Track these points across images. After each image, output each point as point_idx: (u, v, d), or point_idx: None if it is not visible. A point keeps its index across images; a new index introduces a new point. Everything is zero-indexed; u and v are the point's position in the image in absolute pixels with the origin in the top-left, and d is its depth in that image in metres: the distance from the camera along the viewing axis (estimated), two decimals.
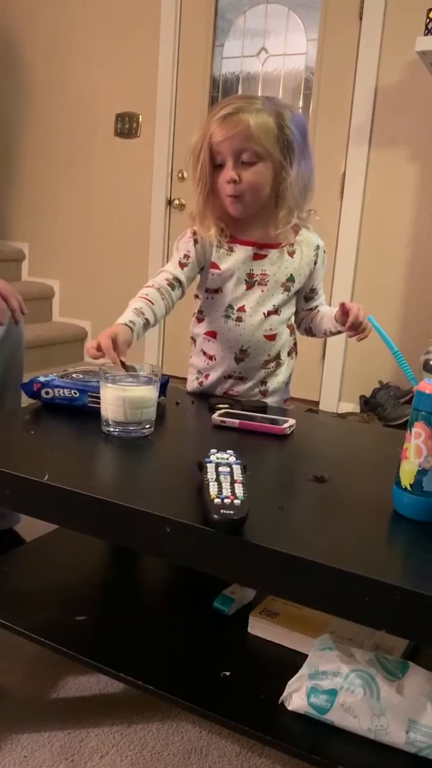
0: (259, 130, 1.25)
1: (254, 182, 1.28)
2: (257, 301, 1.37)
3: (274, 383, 1.44)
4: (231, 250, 1.37)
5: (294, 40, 3.01)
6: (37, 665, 1.25)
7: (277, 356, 1.42)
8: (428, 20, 2.25)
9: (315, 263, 1.40)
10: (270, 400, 1.42)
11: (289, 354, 1.46)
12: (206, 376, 1.45)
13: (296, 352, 1.49)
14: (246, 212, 1.32)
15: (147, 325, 1.29)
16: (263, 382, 1.43)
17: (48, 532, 1.27)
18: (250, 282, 1.37)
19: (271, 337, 1.40)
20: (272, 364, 1.42)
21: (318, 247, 1.40)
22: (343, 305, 1.29)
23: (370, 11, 2.74)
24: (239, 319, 1.38)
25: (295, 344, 1.48)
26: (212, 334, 1.42)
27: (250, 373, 1.42)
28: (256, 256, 1.36)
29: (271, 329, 1.39)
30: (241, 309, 1.38)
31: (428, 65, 2.43)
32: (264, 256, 1.37)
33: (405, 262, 2.84)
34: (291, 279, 1.38)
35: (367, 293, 2.92)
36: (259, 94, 3.07)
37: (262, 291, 1.37)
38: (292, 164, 1.28)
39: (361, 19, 2.78)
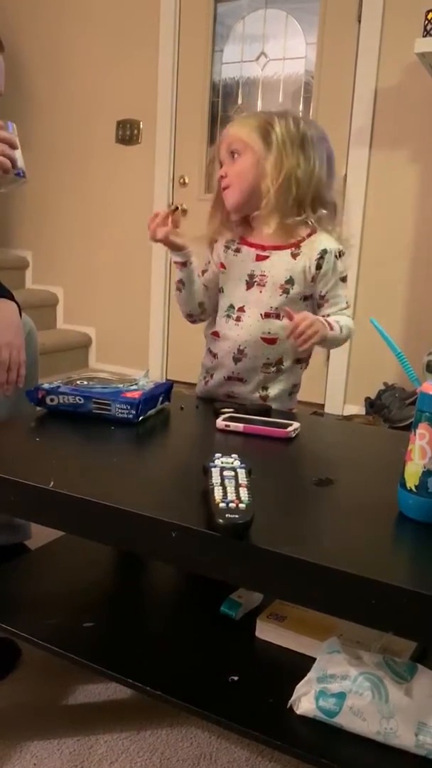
0: (241, 126, 1.37)
1: (237, 171, 1.36)
2: (255, 302, 1.39)
3: (275, 389, 1.42)
4: (238, 251, 1.42)
5: (293, 44, 3.02)
6: (45, 672, 1.25)
7: (279, 362, 1.41)
8: (427, 22, 2.26)
9: (320, 267, 1.36)
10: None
11: (298, 362, 1.44)
12: (212, 376, 1.47)
13: (307, 363, 1.47)
14: (235, 201, 1.37)
15: (192, 275, 1.43)
16: (264, 387, 1.42)
17: (54, 538, 1.28)
18: (250, 282, 1.39)
19: (271, 341, 1.39)
20: (272, 369, 1.41)
21: (325, 251, 1.36)
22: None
23: (369, 14, 2.75)
24: (238, 319, 1.40)
25: (308, 355, 1.45)
26: (216, 334, 1.45)
27: (248, 375, 1.42)
28: (259, 258, 1.39)
29: (270, 332, 1.38)
30: (241, 309, 1.40)
31: (428, 67, 2.43)
32: (266, 258, 1.38)
33: (408, 263, 2.84)
34: (290, 281, 1.37)
35: (370, 295, 2.92)
36: (259, 99, 3.10)
37: (260, 291, 1.39)
38: (271, 154, 1.33)
39: (359, 22, 2.79)
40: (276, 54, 3.07)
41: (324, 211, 1.38)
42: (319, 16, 2.91)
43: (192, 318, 1.50)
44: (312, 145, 1.36)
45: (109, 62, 3.38)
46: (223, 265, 1.42)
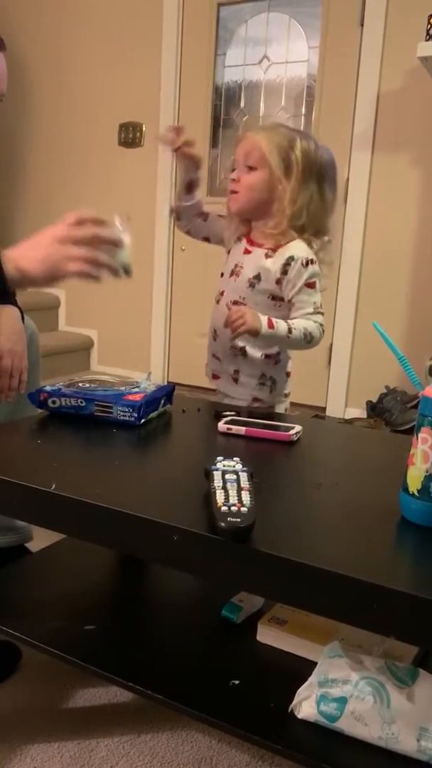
0: (263, 139, 1.42)
1: (250, 183, 1.44)
2: (230, 289, 1.54)
3: (243, 375, 1.53)
4: (240, 241, 1.54)
5: (295, 47, 3.03)
6: (46, 675, 1.25)
7: (243, 349, 1.50)
8: (429, 26, 2.26)
9: (285, 273, 1.44)
10: (240, 391, 1.52)
11: (267, 357, 1.51)
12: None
13: (277, 360, 1.53)
14: (239, 208, 1.48)
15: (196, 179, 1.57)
16: (236, 371, 1.54)
17: (55, 541, 1.27)
18: (233, 271, 1.53)
19: None
20: (238, 353, 1.51)
21: (292, 257, 1.43)
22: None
23: (371, 18, 2.76)
24: (218, 302, 1.56)
25: (277, 352, 1.52)
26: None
27: (222, 355, 1.55)
28: (245, 251, 1.51)
29: None
30: (221, 293, 1.56)
31: (430, 71, 2.43)
32: (249, 252, 1.51)
33: (409, 267, 2.84)
34: (257, 277, 1.48)
35: (372, 299, 2.92)
36: (261, 103, 3.10)
37: (235, 281, 1.51)
38: (289, 181, 1.40)
39: (362, 25, 2.79)
40: (278, 57, 3.07)
41: (327, 238, 1.48)
42: (321, 19, 2.92)
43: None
44: (327, 173, 1.44)
45: (112, 65, 3.38)
46: (230, 252, 1.57)
